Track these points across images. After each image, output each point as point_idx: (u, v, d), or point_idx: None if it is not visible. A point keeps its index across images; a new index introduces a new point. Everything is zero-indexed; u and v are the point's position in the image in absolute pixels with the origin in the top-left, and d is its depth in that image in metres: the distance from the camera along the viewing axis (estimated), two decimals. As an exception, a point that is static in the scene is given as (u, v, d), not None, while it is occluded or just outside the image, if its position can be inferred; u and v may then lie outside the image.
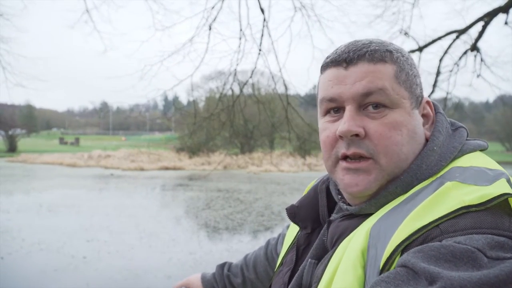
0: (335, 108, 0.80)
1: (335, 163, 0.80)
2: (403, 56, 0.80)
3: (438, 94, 7.73)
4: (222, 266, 1.36)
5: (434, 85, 7.36)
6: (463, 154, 0.78)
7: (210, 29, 4.97)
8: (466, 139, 0.82)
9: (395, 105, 0.76)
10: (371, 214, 0.76)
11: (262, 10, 4.87)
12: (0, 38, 8.40)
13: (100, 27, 7.62)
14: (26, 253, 7.58)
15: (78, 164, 30.19)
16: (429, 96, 6.48)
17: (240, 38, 4.99)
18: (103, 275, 6.46)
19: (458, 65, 7.60)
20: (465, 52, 7.43)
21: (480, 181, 0.66)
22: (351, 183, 0.77)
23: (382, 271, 0.61)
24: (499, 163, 0.78)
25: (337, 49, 0.82)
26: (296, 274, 0.85)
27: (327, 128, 0.81)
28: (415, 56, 7.37)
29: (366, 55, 0.77)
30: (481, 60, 7.49)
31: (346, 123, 0.76)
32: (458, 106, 9.68)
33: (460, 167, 0.72)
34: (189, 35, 5.15)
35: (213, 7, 4.86)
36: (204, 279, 1.34)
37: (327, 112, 0.82)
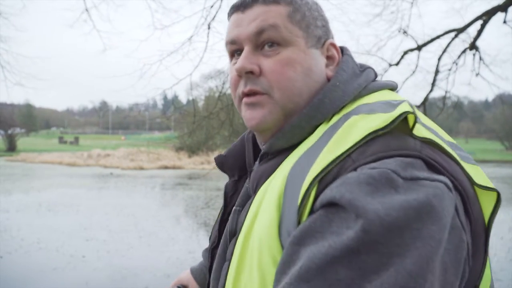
0: (237, 51, 0.84)
1: (240, 102, 0.84)
2: (301, 0, 0.83)
3: (437, 93, 7.75)
4: (207, 250, 1.36)
5: (433, 84, 7.37)
6: (369, 93, 0.79)
7: (209, 28, 4.98)
8: (374, 80, 0.84)
9: (288, 43, 0.79)
10: (286, 155, 0.77)
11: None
12: (-1, 37, 8.39)
13: (99, 26, 7.61)
14: (25, 252, 7.58)
15: (77, 163, 30.20)
16: (428, 94, 6.49)
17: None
18: (102, 274, 6.46)
19: (457, 64, 7.60)
20: (464, 51, 7.44)
21: (385, 109, 0.69)
22: (249, 117, 0.80)
23: (299, 207, 0.62)
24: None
25: None
26: (227, 223, 0.87)
27: (232, 70, 0.85)
28: (414, 55, 7.38)
29: None
30: (480, 58, 7.50)
31: (240, 61, 0.79)
32: (457, 105, 9.70)
33: (366, 104, 0.74)
34: (188, 34, 5.16)
35: (212, 6, 4.86)
36: (193, 270, 1.34)
37: (232, 55, 0.86)
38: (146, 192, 16.74)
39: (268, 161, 0.80)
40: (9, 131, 43.03)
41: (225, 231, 0.86)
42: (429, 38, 7.14)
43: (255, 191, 0.78)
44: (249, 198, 0.83)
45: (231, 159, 0.97)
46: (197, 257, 7.40)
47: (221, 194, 15.78)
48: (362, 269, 0.53)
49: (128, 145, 46.27)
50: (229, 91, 5.59)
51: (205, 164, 31.00)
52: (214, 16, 4.90)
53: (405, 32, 7.20)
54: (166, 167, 28.81)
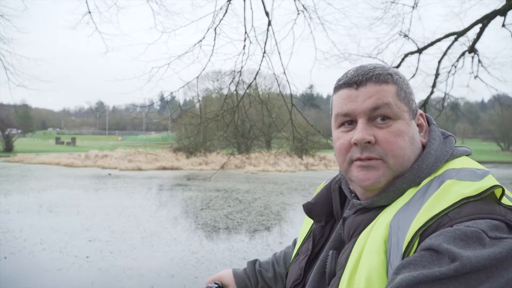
0: (349, 121, 0.97)
1: (349, 164, 0.96)
2: (400, 78, 0.97)
3: (435, 95, 7.84)
4: (253, 262, 1.46)
5: (433, 86, 7.46)
6: (453, 158, 0.95)
7: (215, 32, 5.06)
8: (454, 146, 1.00)
9: (397, 117, 0.93)
10: (381, 208, 0.91)
11: (267, 14, 4.95)
12: (1, 39, 8.41)
13: (101, 29, 7.66)
14: (28, 253, 7.63)
15: (75, 164, 30.17)
16: (428, 96, 6.59)
17: (244, 40, 5.08)
18: (107, 274, 6.52)
19: (455, 67, 7.70)
20: (463, 54, 7.54)
21: (473, 178, 0.83)
22: (364, 178, 0.92)
23: (404, 253, 0.76)
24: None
25: (347, 73, 1.00)
26: (317, 264, 0.99)
27: (341, 137, 0.98)
28: (414, 58, 7.48)
29: (372, 77, 0.94)
30: (479, 61, 7.60)
31: (360, 132, 0.92)
32: (455, 107, 9.79)
33: (454, 169, 0.89)
34: (194, 38, 5.24)
35: (219, 11, 4.95)
36: (236, 274, 1.43)
37: (341, 124, 0.99)
38: (146, 193, 16.77)
39: (365, 213, 0.94)
40: (6, 132, 42.88)
41: (315, 270, 0.98)
42: (429, 42, 7.24)
43: (351, 237, 0.92)
44: (342, 243, 0.97)
45: (319, 206, 1.11)
46: (199, 258, 7.49)
47: (220, 195, 15.88)
48: None
49: (126, 146, 46.22)
50: (234, 93, 5.69)
51: (203, 165, 31.05)
52: (221, 21, 5.00)
53: (405, 35, 7.29)
54: (164, 168, 28.82)
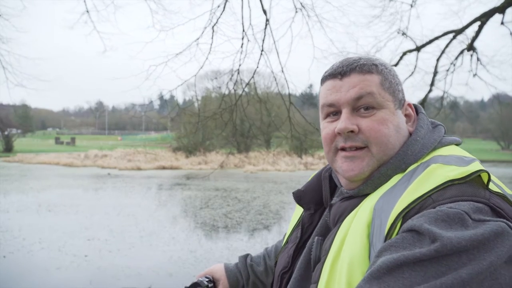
0: (334, 112, 0.97)
1: (335, 154, 0.97)
2: (386, 69, 0.98)
3: (434, 93, 7.83)
4: (245, 257, 1.46)
5: (432, 85, 7.45)
6: (442, 146, 0.95)
7: (213, 30, 5.06)
8: (444, 135, 1.00)
9: (381, 106, 0.93)
10: (367, 195, 0.91)
11: (265, 12, 4.95)
12: (0, 38, 8.40)
13: (99, 28, 7.65)
14: (27, 252, 7.63)
15: (75, 164, 30.17)
16: (427, 95, 6.57)
17: (242, 38, 5.09)
18: (106, 273, 6.52)
19: (454, 65, 7.69)
20: (462, 52, 7.53)
21: (459, 163, 0.84)
22: (348, 168, 0.93)
23: (387, 236, 0.76)
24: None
25: (333, 65, 1.01)
26: (304, 251, 0.99)
27: (327, 127, 0.99)
28: (412, 56, 7.47)
29: (356, 68, 0.95)
30: (477, 59, 7.59)
31: (343, 122, 0.93)
32: (454, 105, 9.78)
33: (441, 155, 0.89)
34: (191, 36, 5.24)
35: (216, 9, 4.95)
36: (227, 269, 1.42)
37: (327, 115, 0.99)
38: (145, 193, 16.78)
39: (349, 199, 0.95)
40: (6, 132, 42.86)
41: (302, 257, 0.99)
42: (427, 39, 7.23)
43: (336, 223, 0.93)
44: (328, 229, 0.98)
45: (308, 194, 1.12)
46: (198, 256, 7.49)
47: (219, 194, 15.88)
48: (424, 273, 0.67)
49: (125, 146, 46.22)
50: (232, 92, 5.68)
51: (202, 164, 31.03)
52: (218, 19, 4.99)
53: (404, 33, 7.29)
54: (163, 168, 28.81)
